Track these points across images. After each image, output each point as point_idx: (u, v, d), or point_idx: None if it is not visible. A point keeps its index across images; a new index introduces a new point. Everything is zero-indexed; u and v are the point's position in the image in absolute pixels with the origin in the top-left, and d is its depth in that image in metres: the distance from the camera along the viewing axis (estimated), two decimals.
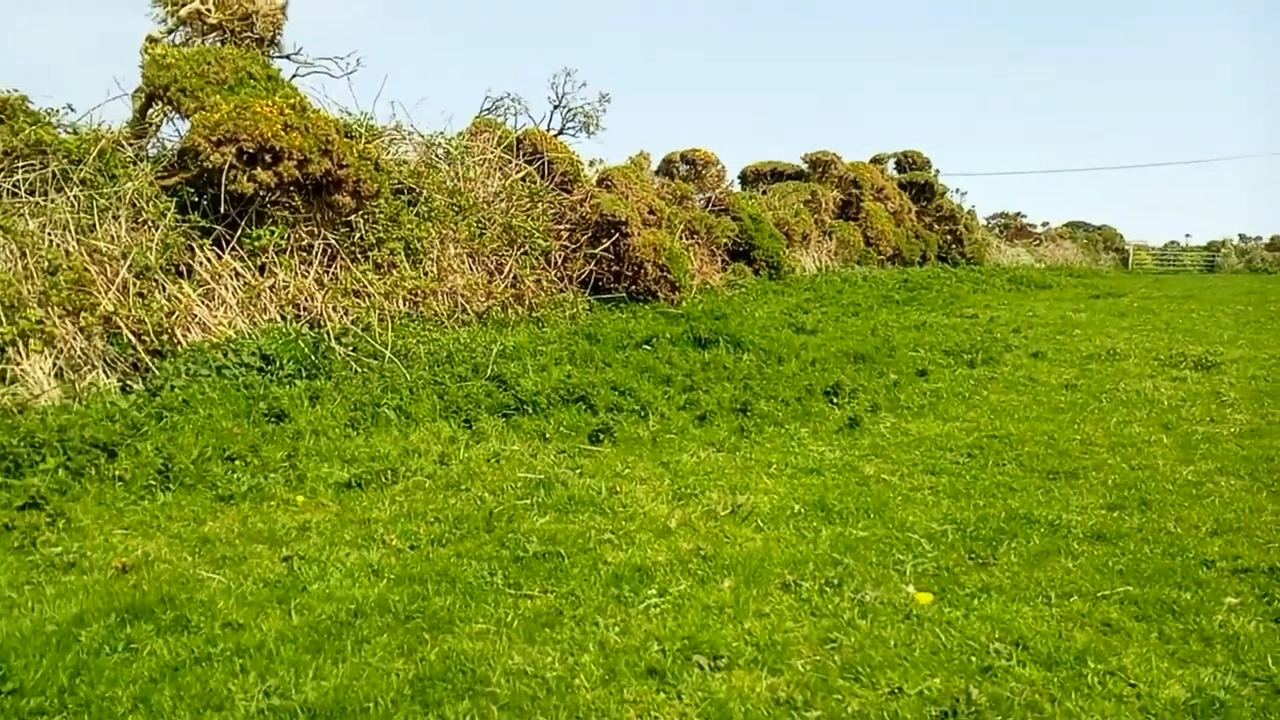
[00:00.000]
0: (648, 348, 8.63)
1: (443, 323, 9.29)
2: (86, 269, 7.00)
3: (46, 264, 6.83)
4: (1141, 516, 4.60)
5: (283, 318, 7.99)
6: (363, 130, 10.52)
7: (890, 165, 27.30)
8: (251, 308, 7.88)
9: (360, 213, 9.25)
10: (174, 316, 7.17)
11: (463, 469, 5.31)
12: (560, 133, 15.89)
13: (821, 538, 4.26)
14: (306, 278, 8.44)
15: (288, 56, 10.64)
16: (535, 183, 12.71)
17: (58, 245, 7.14)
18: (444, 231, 10.32)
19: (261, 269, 8.27)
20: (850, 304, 14.25)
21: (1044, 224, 45.81)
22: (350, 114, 10.84)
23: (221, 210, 8.18)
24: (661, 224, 13.55)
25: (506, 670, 3.03)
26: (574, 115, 16.20)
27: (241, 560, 3.97)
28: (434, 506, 4.69)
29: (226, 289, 7.84)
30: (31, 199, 7.48)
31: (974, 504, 4.80)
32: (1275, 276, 32.54)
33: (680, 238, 14.40)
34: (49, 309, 6.54)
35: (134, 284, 7.21)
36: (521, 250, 11.22)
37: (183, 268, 7.81)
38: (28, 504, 4.41)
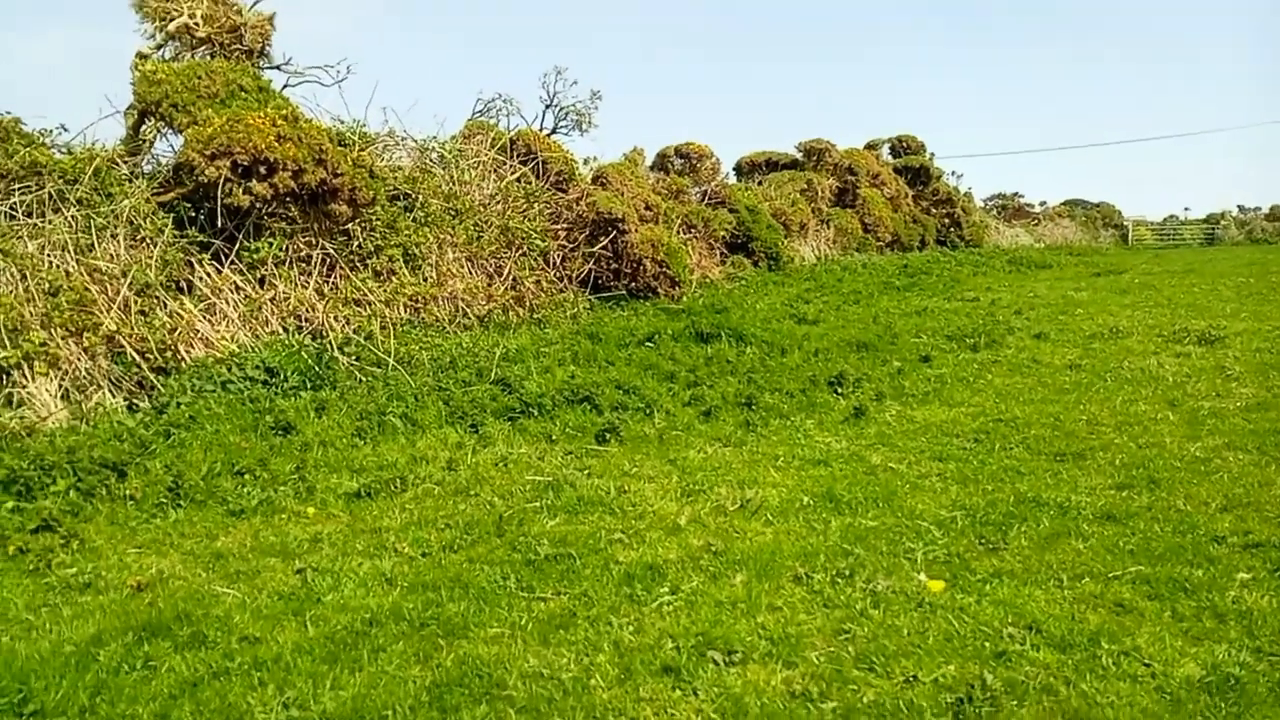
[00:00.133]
0: (650, 345, 8.63)
1: (444, 328, 9.30)
2: (87, 289, 7.02)
3: (47, 285, 6.85)
4: (1150, 495, 4.60)
5: (285, 330, 8.00)
6: (356, 138, 10.53)
7: (885, 150, 27.25)
8: (253, 321, 7.90)
9: (357, 221, 9.26)
10: (176, 333, 7.19)
11: (471, 474, 5.32)
12: (553, 132, 15.90)
13: (831, 529, 4.27)
14: (307, 288, 8.46)
15: (278, 67, 10.65)
16: (530, 183, 12.71)
17: (57, 266, 7.16)
18: (441, 236, 10.33)
19: (261, 281, 8.28)
20: (851, 292, 14.24)
21: (1042, 203, 45.70)
22: (343, 122, 10.86)
23: (219, 224, 8.19)
24: (658, 219, 13.55)
25: (522, 673, 3.05)
26: (566, 114, 16.21)
27: (255, 574, 3.99)
28: (444, 513, 4.70)
29: (227, 303, 7.86)
30: (29, 221, 7.50)
31: (982, 489, 4.81)
32: (1276, 247, 32.47)
33: (678, 232, 14.40)
34: (52, 330, 6.56)
35: (135, 302, 7.22)
36: (520, 252, 11.23)
37: (183, 283, 7.82)
38: (41, 526, 4.43)
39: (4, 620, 3.60)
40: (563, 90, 16.18)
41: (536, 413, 6.47)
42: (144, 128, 9.16)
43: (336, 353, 7.55)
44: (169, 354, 7.04)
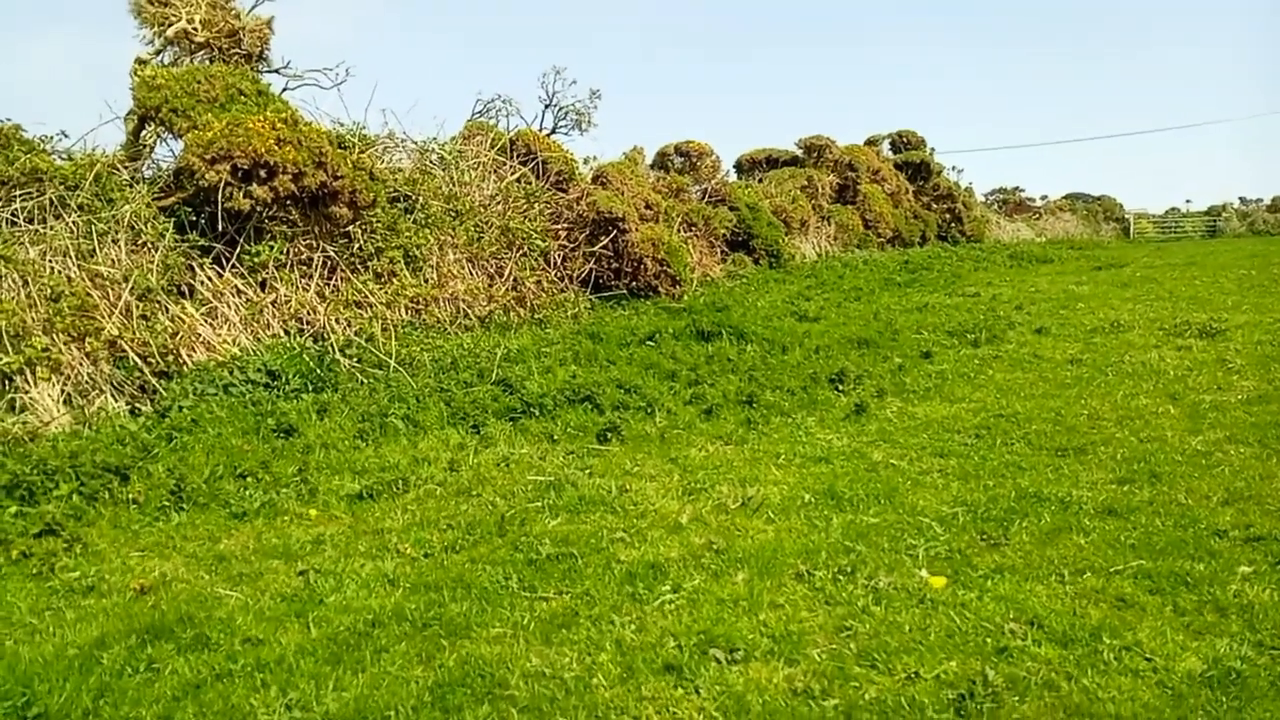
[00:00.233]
0: (651, 344, 8.64)
1: (445, 329, 9.31)
2: (89, 294, 7.04)
3: (49, 291, 6.87)
4: (1152, 489, 4.60)
5: (286, 332, 8.02)
6: (356, 140, 10.54)
7: (885, 146, 27.20)
8: (255, 324, 7.91)
9: (358, 223, 9.27)
10: (178, 337, 7.21)
11: (473, 475, 5.33)
12: (553, 132, 15.91)
13: (833, 526, 4.28)
14: (308, 291, 8.47)
15: (277, 71, 10.68)
16: (530, 183, 12.72)
17: (59, 272, 7.18)
18: (442, 237, 10.34)
19: (263, 284, 8.30)
20: (852, 289, 14.23)
21: (1043, 197, 45.60)
22: (343, 124, 10.87)
23: (220, 228, 8.21)
24: (659, 218, 13.55)
25: (525, 673, 3.06)
26: (565, 114, 16.21)
27: (258, 576, 4.00)
28: (446, 514, 4.71)
29: (229, 306, 7.87)
30: (31, 227, 7.51)
31: (984, 485, 4.81)
32: (1278, 238, 32.39)
33: (678, 231, 14.40)
34: (54, 336, 6.58)
35: (137, 306, 7.24)
36: (520, 252, 11.23)
37: (184, 288, 7.84)
38: (44, 531, 4.45)
39: (8, 624, 3.61)
40: (562, 90, 16.20)
41: (538, 413, 6.47)
42: (144, 133, 9.19)
43: (338, 355, 7.56)
44: (171, 358, 7.06)
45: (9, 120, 8.37)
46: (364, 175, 9.10)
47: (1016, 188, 45.37)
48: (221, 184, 7.96)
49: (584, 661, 3.13)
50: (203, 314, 7.63)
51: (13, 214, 7.56)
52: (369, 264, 9.29)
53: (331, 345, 7.71)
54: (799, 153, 22.90)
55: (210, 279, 8.00)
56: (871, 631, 3.23)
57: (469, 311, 9.84)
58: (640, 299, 12.20)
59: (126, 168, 8.85)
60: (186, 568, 4.14)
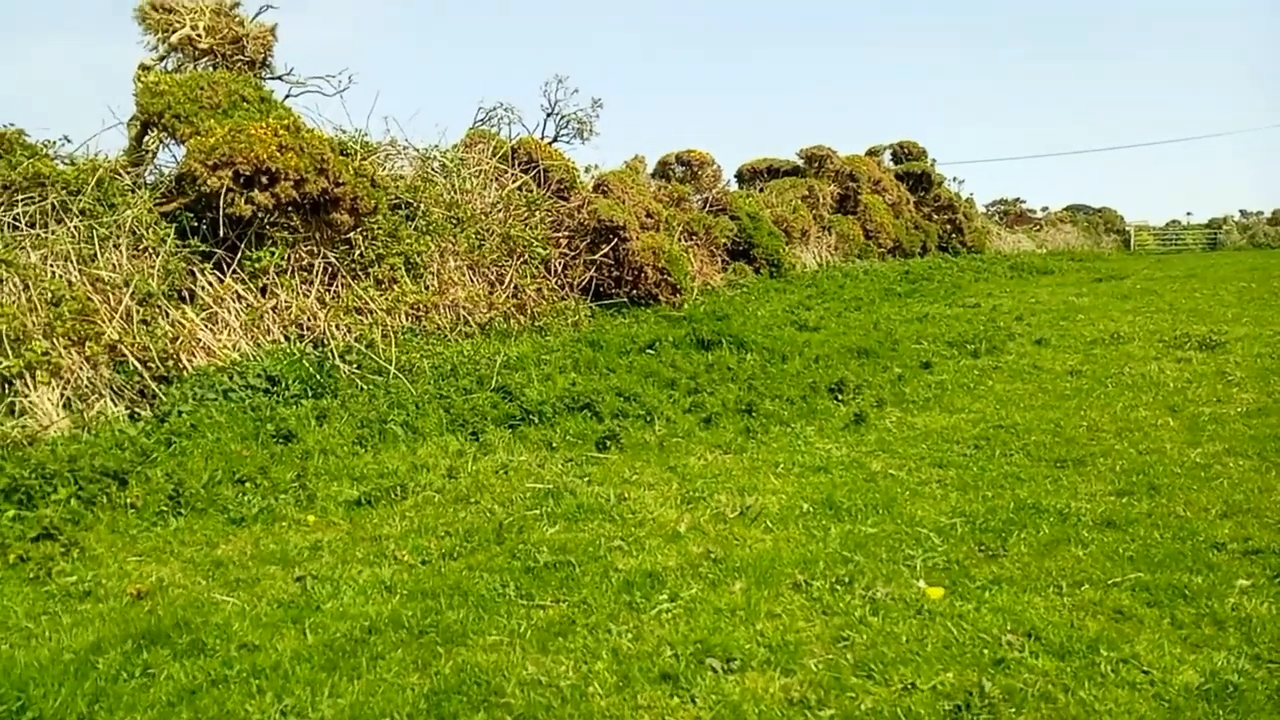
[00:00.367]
0: (651, 352, 8.64)
1: (446, 336, 9.33)
2: (90, 298, 7.05)
3: (50, 295, 6.88)
4: (1150, 501, 4.60)
5: (286, 338, 8.03)
6: (358, 147, 10.57)
7: (886, 157, 27.28)
8: (255, 329, 7.93)
9: (359, 230, 9.29)
10: (178, 342, 7.22)
11: (471, 482, 5.33)
12: (554, 140, 15.93)
13: (831, 536, 4.27)
14: (308, 297, 8.49)
15: (280, 77, 10.71)
16: (532, 191, 12.75)
17: (60, 276, 7.20)
18: (443, 245, 10.36)
19: (263, 290, 8.31)
20: (852, 299, 14.24)
21: (1044, 209, 45.70)
22: (345, 131, 10.90)
23: (221, 234, 8.23)
24: (660, 227, 13.58)
25: (521, 681, 3.05)
26: (567, 122, 16.23)
27: (255, 582, 4.00)
28: (444, 521, 4.71)
29: (229, 312, 7.89)
30: (32, 231, 7.53)
31: (982, 495, 4.81)
32: (1278, 251, 32.44)
33: (679, 240, 14.43)
34: (54, 340, 6.59)
35: (137, 311, 7.25)
36: (521, 260, 11.26)
37: (185, 293, 7.86)
38: (41, 535, 4.45)
39: (4, 628, 3.61)
40: (564, 98, 16.21)
41: (537, 420, 6.47)
42: (146, 138, 9.21)
43: (338, 361, 7.57)
44: (171, 363, 7.06)
45: (12, 125, 8.42)
46: (365, 182, 9.12)
47: (1017, 199, 45.49)
48: (223, 190, 7.98)
49: (580, 670, 3.12)
50: (203, 319, 7.65)
51: (15, 218, 7.58)
52: (370, 270, 9.31)
53: (331, 351, 7.72)
54: (800, 163, 22.95)
55: (211, 284, 8.01)
56: (868, 642, 3.23)
57: (469, 318, 9.85)
58: (641, 307, 12.22)
59: (129, 173, 8.88)
60: (183, 573, 4.14)
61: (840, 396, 7.23)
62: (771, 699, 2.90)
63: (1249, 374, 7.60)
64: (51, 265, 7.26)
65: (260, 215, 8.31)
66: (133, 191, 8.51)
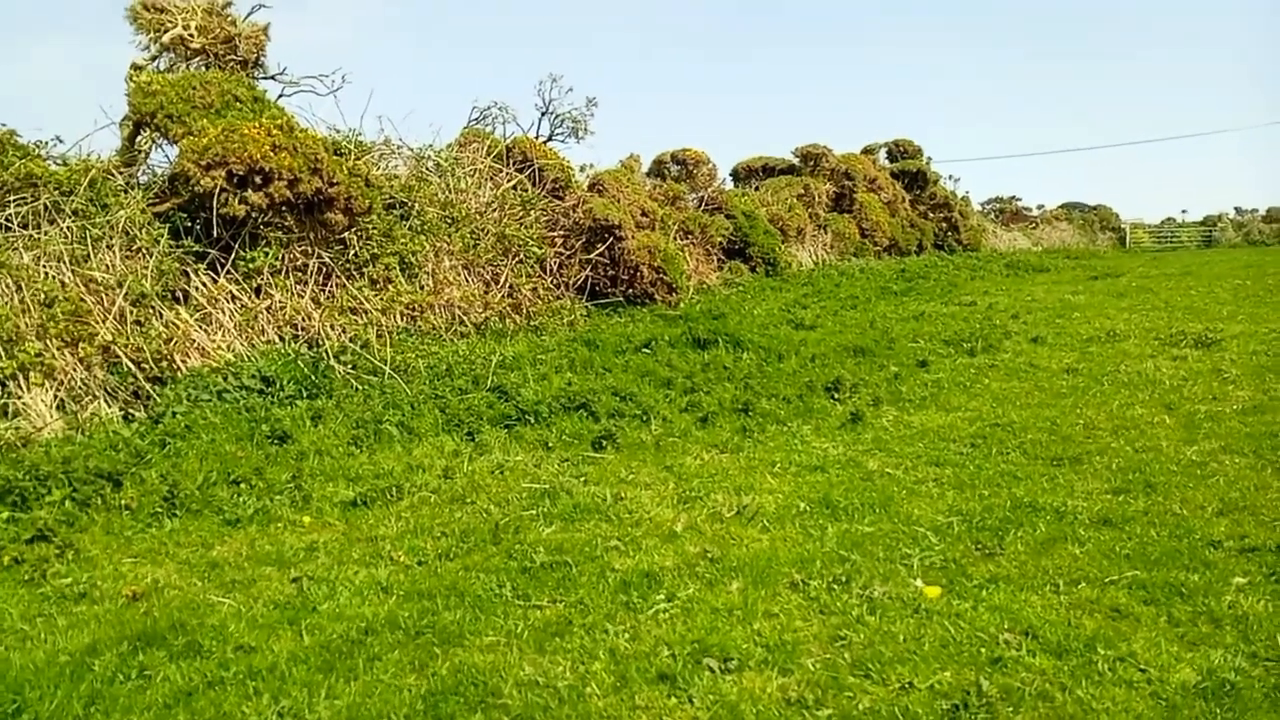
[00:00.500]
0: (647, 351, 8.63)
1: (441, 336, 9.30)
2: (83, 299, 7.02)
3: (43, 296, 6.85)
4: (1147, 499, 4.60)
5: (281, 338, 8.01)
6: (351, 147, 10.54)
7: (882, 155, 27.28)
8: (249, 330, 7.90)
9: (353, 229, 9.26)
10: (172, 343, 7.19)
11: (467, 482, 5.32)
12: (549, 139, 15.92)
13: (828, 535, 4.27)
14: (303, 297, 8.46)
15: (273, 77, 10.67)
16: (527, 191, 12.72)
17: (53, 277, 7.16)
18: (438, 244, 10.34)
19: (257, 290, 8.29)
20: (848, 297, 14.25)
21: (1039, 207, 45.75)
22: (338, 131, 10.87)
23: (215, 234, 8.20)
24: (655, 226, 13.57)
25: (518, 681, 3.04)
26: (562, 121, 16.23)
27: (251, 583, 3.98)
28: (440, 521, 4.70)
29: (223, 312, 7.86)
30: (25, 232, 7.50)
31: (979, 494, 4.81)
32: (1273, 248, 32.54)
33: (674, 238, 14.42)
34: (48, 341, 6.56)
35: (131, 312, 7.22)
36: (516, 259, 11.24)
37: (179, 293, 7.83)
38: (36, 537, 4.42)
39: None
40: (559, 98, 16.22)
41: (533, 420, 6.46)
42: (139, 139, 9.18)
43: (333, 361, 7.55)
44: (165, 364, 7.04)
45: (3, 125, 8.36)
46: (360, 182, 9.10)
47: (1013, 197, 45.53)
48: (217, 190, 7.95)
49: (578, 670, 3.11)
50: (197, 320, 7.62)
51: (6, 219, 7.55)
52: (364, 270, 9.28)
53: (326, 351, 7.70)
54: (796, 161, 22.95)
55: (205, 285, 7.99)
56: (866, 641, 3.22)
57: (464, 318, 9.83)
58: (636, 306, 12.21)
59: (122, 173, 8.84)
60: (179, 574, 4.12)
61: (837, 395, 7.23)
62: (769, 699, 2.89)
63: (1244, 371, 7.62)
64: (44, 266, 7.23)
65: (254, 215, 8.28)
66: (126, 192, 8.47)
